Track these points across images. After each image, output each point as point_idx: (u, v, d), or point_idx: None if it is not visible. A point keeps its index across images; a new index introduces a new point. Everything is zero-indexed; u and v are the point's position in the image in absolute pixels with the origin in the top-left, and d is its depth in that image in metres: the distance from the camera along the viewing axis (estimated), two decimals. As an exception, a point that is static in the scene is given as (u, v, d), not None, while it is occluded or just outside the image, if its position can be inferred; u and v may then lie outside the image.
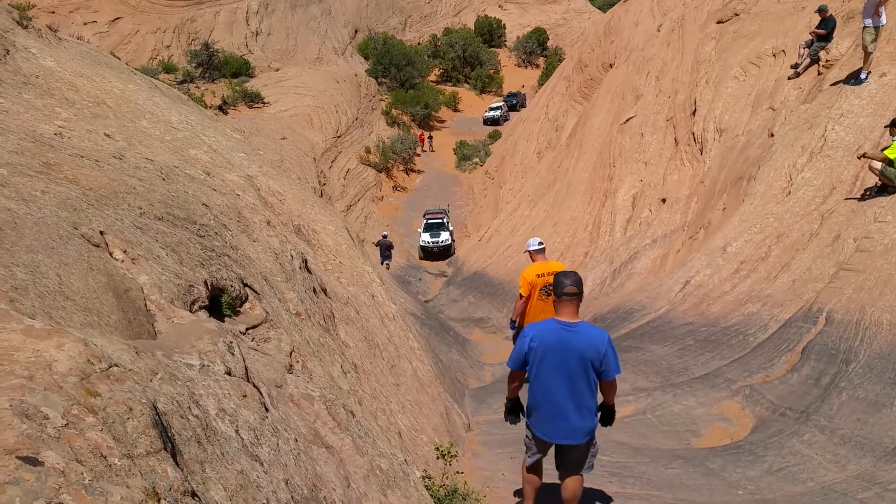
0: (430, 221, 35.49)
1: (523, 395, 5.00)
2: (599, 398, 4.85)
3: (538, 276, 8.00)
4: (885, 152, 10.59)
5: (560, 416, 4.68)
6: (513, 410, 5.17)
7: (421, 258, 34.99)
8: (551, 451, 4.96)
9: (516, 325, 8.21)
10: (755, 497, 6.23)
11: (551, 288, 7.50)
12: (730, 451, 7.43)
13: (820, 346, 8.79)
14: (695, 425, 8.33)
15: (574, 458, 4.85)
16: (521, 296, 8.06)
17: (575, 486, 4.91)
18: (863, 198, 11.08)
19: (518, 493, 5.65)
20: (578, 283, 4.68)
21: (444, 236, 34.56)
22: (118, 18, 57.18)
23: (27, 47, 6.55)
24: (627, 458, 7.23)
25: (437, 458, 5.64)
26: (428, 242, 34.53)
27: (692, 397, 8.96)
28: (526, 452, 5.08)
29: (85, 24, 53.72)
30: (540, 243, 8.44)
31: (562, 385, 4.60)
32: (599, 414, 4.88)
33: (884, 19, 13.20)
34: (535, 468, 5.06)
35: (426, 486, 4.87)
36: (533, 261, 8.37)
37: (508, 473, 6.55)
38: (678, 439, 8.05)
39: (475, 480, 6.21)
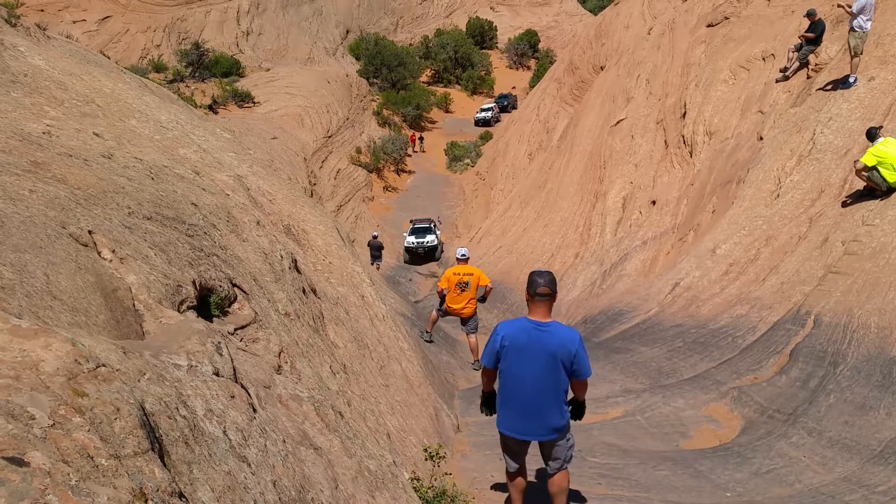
0: (416, 227, 35.33)
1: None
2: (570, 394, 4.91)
3: (454, 274, 12.09)
4: (862, 160, 10.67)
5: (529, 414, 4.73)
6: (486, 403, 5.27)
7: (406, 261, 34.63)
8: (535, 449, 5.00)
9: (442, 304, 12.35)
10: (743, 499, 6.25)
11: (464, 284, 12.05)
12: (718, 452, 7.46)
13: (808, 349, 8.83)
14: (684, 427, 8.36)
15: (550, 450, 4.89)
16: (440, 288, 12.30)
17: (561, 479, 4.96)
18: (851, 201, 11.15)
19: (504, 488, 5.67)
20: (552, 283, 4.71)
21: (430, 238, 34.26)
22: (108, 17, 56.94)
23: (15, 45, 6.51)
24: (616, 459, 7.24)
25: (426, 459, 5.64)
26: (413, 243, 34.18)
27: (681, 399, 8.98)
28: (504, 453, 5.12)
29: (74, 22, 53.47)
30: (463, 254, 12.41)
31: (532, 384, 4.64)
32: (570, 408, 4.93)
33: (859, 23, 13.23)
34: (519, 472, 5.11)
35: (414, 487, 4.86)
36: (457, 264, 12.44)
37: (497, 475, 6.55)
38: (667, 441, 8.07)
39: (464, 482, 6.21)
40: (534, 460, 5.12)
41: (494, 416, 5.33)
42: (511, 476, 5.13)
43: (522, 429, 4.79)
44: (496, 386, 5.07)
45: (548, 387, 4.64)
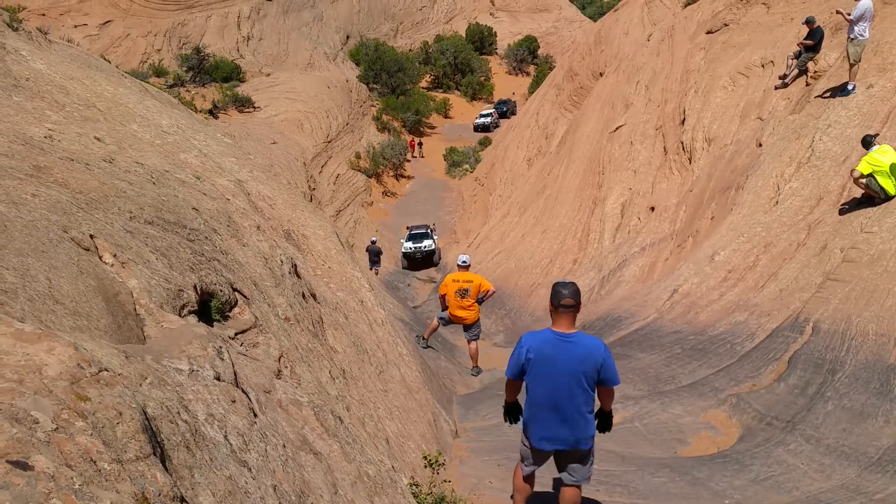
0: (413, 232, 35.29)
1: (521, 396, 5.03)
2: (596, 404, 4.88)
3: (453, 281, 12.33)
4: (857, 168, 10.71)
5: (558, 426, 4.70)
6: (510, 412, 5.22)
7: (404, 267, 34.49)
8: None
9: (444, 311, 12.53)
10: (741, 505, 6.25)
11: (463, 291, 12.34)
12: (716, 460, 7.46)
13: (806, 356, 8.84)
14: (682, 434, 8.36)
15: (571, 462, 4.86)
16: (440, 294, 12.62)
17: (573, 496, 4.94)
18: (849, 208, 11.17)
19: (510, 496, 5.66)
20: (576, 294, 4.68)
21: (427, 242, 34.14)
22: (109, 22, 56.95)
23: (17, 49, 6.53)
24: (615, 466, 7.24)
25: (425, 465, 5.64)
26: (410, 248, 34.05)
27: (679, 406, 8.98)
28: (521, 461, 5.09)
29: (75, 26, 53.51)
30: (464, 261, 12.55)
31: (559, 395, 4.63)
32: (597, 420, 4.91)
33: (857, 32, 13.27)
34: (528, 478, 5.09)
35: (413, 493, 4.87)
36: (457, 270, 12.64)
37: (496, 481, 6.55)
38: (665, 448, 8.07)
39: (462, 488, 6.21)
40: (546, 468, 5.12)
41: (508, 424, 5.32)
42: (521, 481, 5.11)
43: (550, 439, 4.77)
44: (520, 397, 5.05)
45: (574, 397, 4.62)
